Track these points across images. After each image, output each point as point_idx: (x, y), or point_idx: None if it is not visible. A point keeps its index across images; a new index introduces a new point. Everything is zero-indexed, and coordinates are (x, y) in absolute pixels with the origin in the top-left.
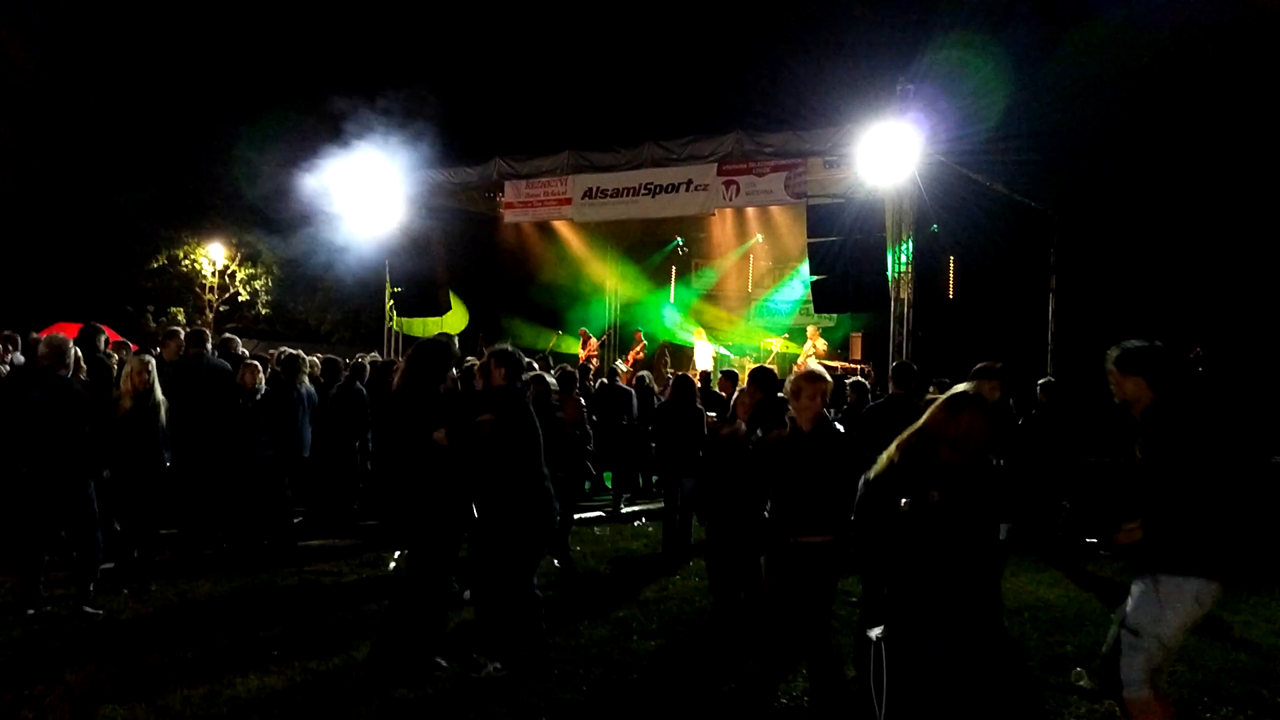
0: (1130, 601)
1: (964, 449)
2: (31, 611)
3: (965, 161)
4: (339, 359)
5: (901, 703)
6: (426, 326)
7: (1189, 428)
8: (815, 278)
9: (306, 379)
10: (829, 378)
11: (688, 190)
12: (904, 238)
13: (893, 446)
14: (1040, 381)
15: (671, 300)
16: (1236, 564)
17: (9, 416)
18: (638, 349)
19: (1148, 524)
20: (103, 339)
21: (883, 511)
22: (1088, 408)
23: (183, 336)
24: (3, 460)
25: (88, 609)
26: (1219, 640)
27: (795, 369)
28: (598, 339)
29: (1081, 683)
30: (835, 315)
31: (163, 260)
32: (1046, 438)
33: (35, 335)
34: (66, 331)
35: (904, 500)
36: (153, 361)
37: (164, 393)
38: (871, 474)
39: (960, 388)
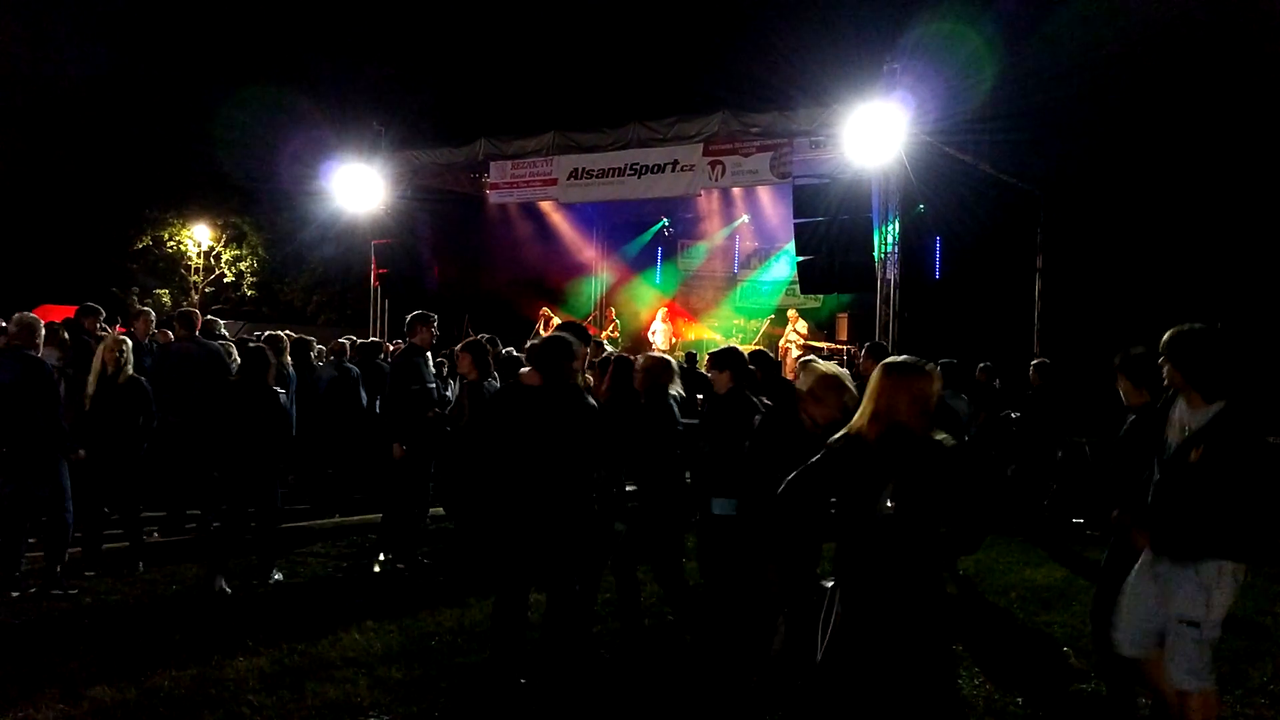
0: (1167, 593)
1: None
2: (16, 594)
3: (952, 141)
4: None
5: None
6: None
7: (1247, 417)
8: (801, 258)
9: (288, 358)
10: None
11: (673, 171)
12: (890, 218)
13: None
14: (1034, 362)
15: (658, 281)
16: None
17: None
18: (610, 328)
19: (1183, 511)
20: (98, 320)
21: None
22: (1074, 388)
23: (153, 316)
24: None
25: (54, 591)
26: (1244, 636)
27: (781, 352)
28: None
29: (1070, 661)
30: (821, 296)
31: (147, 241)
32: (1041, 418)
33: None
34: (54, 314)
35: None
36: (128, 341)
37: (155, 378)
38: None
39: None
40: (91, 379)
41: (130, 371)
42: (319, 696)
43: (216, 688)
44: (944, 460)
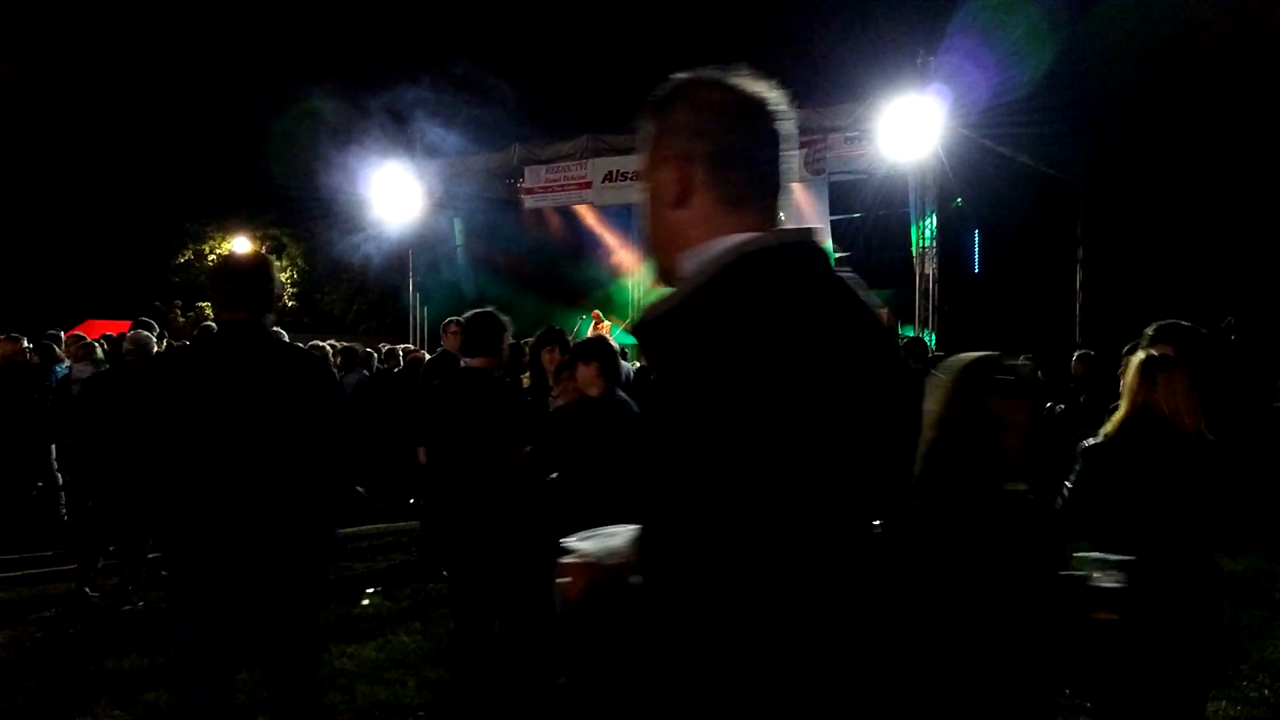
0: None
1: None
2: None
3: (989, 134)
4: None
5: None
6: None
7: None
8: (838, 254)
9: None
10: None
11: None
12: (927, 212)
13: None
14: (1077, 354)
15: None
16: None
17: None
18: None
19: None
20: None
21: None
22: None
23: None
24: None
25: (87, 590)
26: (1256, 608)
27: None
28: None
29: None
30: None
31: (189, 255)
32: (1085, 410)
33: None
34: (98, 329)
35: None
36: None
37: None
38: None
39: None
40: None
41: None
42: (369, 697)
43: (269, 689)
44: None
